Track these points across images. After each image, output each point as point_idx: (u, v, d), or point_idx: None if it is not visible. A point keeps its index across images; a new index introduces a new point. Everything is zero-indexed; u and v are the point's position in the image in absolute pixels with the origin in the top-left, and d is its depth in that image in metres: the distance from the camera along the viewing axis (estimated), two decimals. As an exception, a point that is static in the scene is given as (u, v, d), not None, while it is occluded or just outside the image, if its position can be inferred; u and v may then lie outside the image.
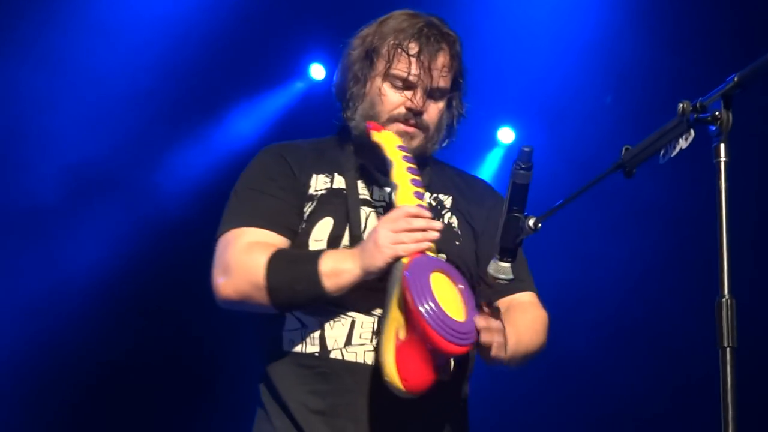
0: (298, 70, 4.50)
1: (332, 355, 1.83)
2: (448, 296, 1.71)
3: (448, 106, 1.96)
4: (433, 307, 1.66)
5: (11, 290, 4.27)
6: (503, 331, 1.76)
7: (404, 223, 1.74)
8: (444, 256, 1.85)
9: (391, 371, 1.70)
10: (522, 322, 1.87)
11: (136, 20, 4.23)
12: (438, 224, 1.80)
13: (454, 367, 1.79)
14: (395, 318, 1.72)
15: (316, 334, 1.84)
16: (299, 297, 1.79)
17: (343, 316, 1.84)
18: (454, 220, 1.97)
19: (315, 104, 4.29)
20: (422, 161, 1.93)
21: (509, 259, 1.72)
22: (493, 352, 1.74)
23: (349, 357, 1.82)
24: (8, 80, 4.12)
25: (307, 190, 1.91)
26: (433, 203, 1.96)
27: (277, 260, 1.79)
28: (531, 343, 1.88)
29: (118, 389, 4.67)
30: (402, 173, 1.83)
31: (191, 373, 4.74)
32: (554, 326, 2.02)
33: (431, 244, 1.77)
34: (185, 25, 4.23)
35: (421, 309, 1.66)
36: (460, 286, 1.76)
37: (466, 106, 1.99)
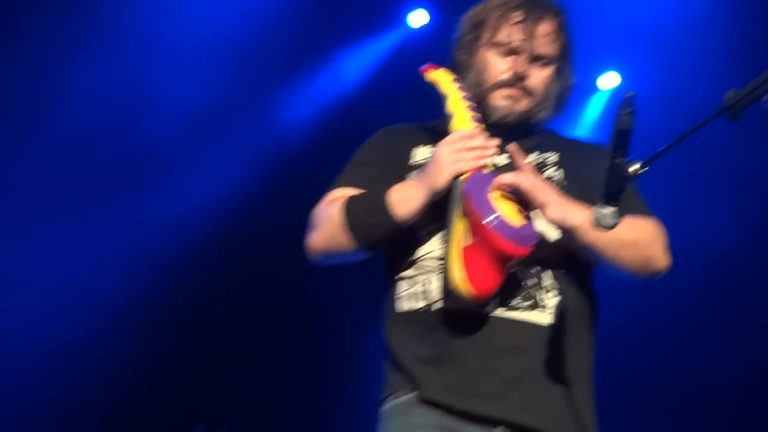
0: (398, 17, 4.58)
1: (434, 307, 1.94)
2: (506, 205, 1.87)
3: (558, 76, 2.06)
4: (494, 214, 1.82)
5: (132, 226, 4.54)
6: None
7: (462, 144, 1.91)
8: None
9: (458, 279, 1.84)
10: (626, 223, 1.82)
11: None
12: (493, 143, 1.94)
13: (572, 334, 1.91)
14: (458, 230, 1.87)
15: (420, 290, 1.96)
16: (377, 229, 1.94)
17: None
18: (559, 173, 2.06)
19: (415, 50, 4.40)
20: (530, 128, 2.07)
21: (613, 204, 1.76)
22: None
23: (453, 306, 1.92)
24: (129, 30, 4.36)
25: (408, 161, 2.07)
26: (539, 160, 2.06)
27: (351, 202, 1.97)
28: (632, 236, 1.91)
29: (225, 329, 4.92)
30: (457, 102, 1.99)
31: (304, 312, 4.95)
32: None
33: (488, 161, 1.92)
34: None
35: (483, 217, 1.81)
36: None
37: (575, 78, 2.05)
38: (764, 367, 4.76)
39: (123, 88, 4.56)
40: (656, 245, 2.00)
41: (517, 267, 1.92)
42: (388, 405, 1.99)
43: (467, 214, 1.86)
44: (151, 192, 4.72)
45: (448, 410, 1.90)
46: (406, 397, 1.94)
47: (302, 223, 2.09)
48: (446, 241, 1.91)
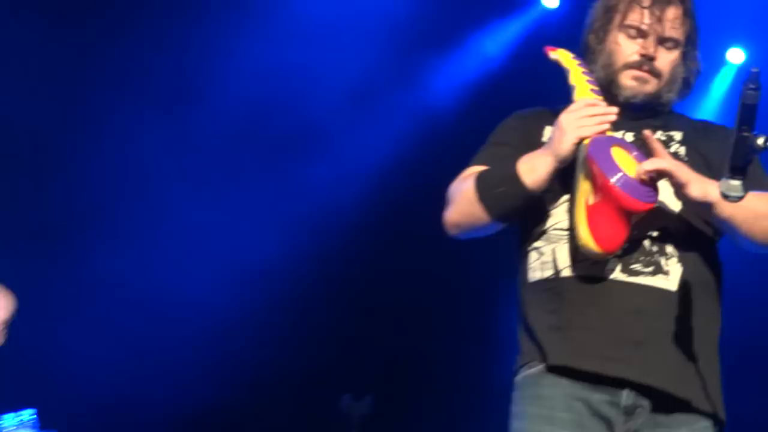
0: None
1: (563, 275, 2.07)
2: (627, 164, 1.99)
3: (684, 59, 2.17)
4: (617, 172, 1.95)
5: (295, 195, 4.92)
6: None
7: (584, 111, 2.06)
8: None
9: (585, 235, 1.99)
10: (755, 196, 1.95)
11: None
12: (614, 109, 2.07)
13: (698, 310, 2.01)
14: (584, 190, 2.02)
15: (549, 259, 2.10)
16: (507, 199, 2.08)
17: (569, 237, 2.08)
18: (683, 150, 2.17)
19: (550, 29, 4.57)
20: (658, 108, 2.18)
21: (740, 177, 1.84)
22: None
23: (578, 271, 2.06)
24: (290, 13, 4.73)
25: (541, 139, 2.18)
26: (663, 138, 2.16)
27: (482, 175, 2.13)
28: (761, 208, 2.02)
29: (373, 300, 5.20)
30: (579, 76, 2.17)
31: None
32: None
33: (609, 126, 2.05)
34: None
35: (607, 175, 1.95)
36: (635, 153, 2.03)
37: (701, 63, 2.14)
38: None
39: (286, 66, 4.95)
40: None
41: (640, 233, 2.02)
42: (521, 375, 2.13)
43: (591, 175, 1.99)
44: (313, 163, 5.08)
45: (576, 377, 2.01)
46: (537, 368, 2.08)
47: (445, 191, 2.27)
48: (572, 201, 2.04)
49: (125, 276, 4.83)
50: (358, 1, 4.85)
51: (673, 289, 2.03)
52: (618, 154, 2.01)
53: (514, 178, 2.05)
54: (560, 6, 4.84)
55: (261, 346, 5.09)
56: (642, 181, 1.97)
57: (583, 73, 2.17)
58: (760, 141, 1.82)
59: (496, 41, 4.96)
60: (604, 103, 2.09)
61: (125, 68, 4.84)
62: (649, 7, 2.13)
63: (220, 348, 5.04)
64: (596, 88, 2.15)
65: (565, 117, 2.06)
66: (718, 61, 4.64)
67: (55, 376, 4.57)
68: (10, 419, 3.84)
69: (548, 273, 2.10)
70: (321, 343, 5.26)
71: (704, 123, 2.31)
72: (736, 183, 1.85)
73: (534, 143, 2.18)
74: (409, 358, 5.41)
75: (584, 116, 2.04)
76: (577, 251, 2.05)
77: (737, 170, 1.84)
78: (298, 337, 5.22)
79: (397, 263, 5.33)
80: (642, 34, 2.14)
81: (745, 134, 1.82)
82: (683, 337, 2.03)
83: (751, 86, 1.81)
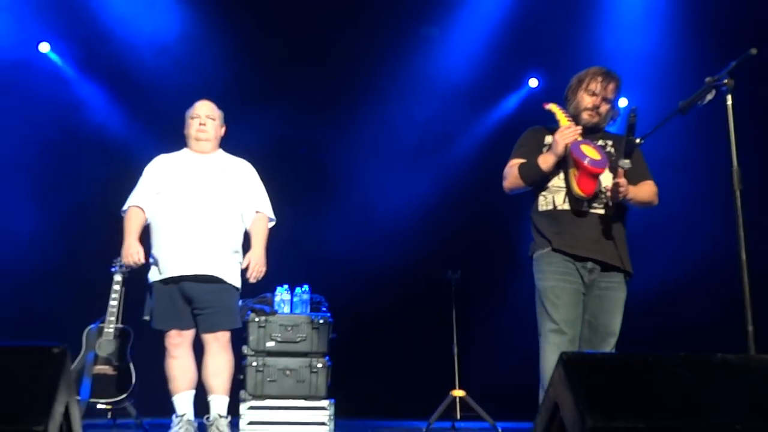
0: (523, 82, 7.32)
1: (558, 208, 3.94)
2: (590, 151, 3.81)
3: (612, 107, 4.03)
4: (586, 156, 3.77)
5: None
6: (627, 185, 3.85)
7: (566, 131, 3.87)
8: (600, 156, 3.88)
9: (576, 190, 3.83)
10: (640, 186, 3.94)
11: None
12: (579, 128, 3.87)
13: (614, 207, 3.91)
14: (572, 170, 3.83)
15: (550, 200, 3.95)
16: (534, 176, 3.94)
17: (562, 189, 3.94)
18: (612, 149, 4.02)
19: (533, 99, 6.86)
20: (599, 130, 4.06)
21: (629, 158, 3.74)
22: (622, 190, 3.82)
23: (566, 207, 3.91)
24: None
25: (543, 144, 4.03)
26: (602, 143, 3.99)
27: (521, 166, 3.98)
28: (644, 195, 3.95)
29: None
30: (561, 116, 3.97)
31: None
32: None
33: (579, 136, 3.86)
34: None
35: (581, 158, 3.77)
36: (596, 144, 3.88)
37: (619, 112, 4.08)
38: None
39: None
40: (654, 196, 3.98)
41: (600, 192, 3.86)
42: (538, 254, 4.00)
43: (573, 161, 3.79)
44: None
45: (566, 255, 3.86)
46: (546, 250, 3.89)
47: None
48: (566, 174, 3.88)
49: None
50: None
51: (610, 214, 3.92)
52: (585, 148, 3.82)
53: (537, 166, 3.90)
54: (538, 86, 7.52)
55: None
56: (599, 158, 3.76)
57: (564, 113, 3.96)
58: (638, 140, 3.73)
59: (505, 106, 7.49)
60: (575, 127, 3.89)
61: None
62: (601, 82, 3.95)
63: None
64: (571, 119, 3.93)
65: (558, 134, 3.86)
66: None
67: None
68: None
69: (550, 207, 3.93)
70: (433, 240, 7.45)
71: (617, 135, 4.12)
72: (626, 161, 3.77)
73: (541, 144, 4.04)
74: (486, 244, 7.52)
75: (566, 134, 3.86)
76: (569, 196, 3.91)
77: (627, 155, 3.76)
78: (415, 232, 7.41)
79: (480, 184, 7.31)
80: (595, 94, 3.97)
81: (630, 138, 3.74)
82: (615, 235, 3.95)
83: (633, 114, 3.71)
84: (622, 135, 4.02)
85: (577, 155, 3.80)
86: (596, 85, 3.96)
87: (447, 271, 6.69)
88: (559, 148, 3.86)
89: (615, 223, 3.94)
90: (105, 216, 5.84)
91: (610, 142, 4.04)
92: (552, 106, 4.03)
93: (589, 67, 4.05)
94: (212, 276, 4.58)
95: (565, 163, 3.91)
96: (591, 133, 4.01)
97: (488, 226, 7.35)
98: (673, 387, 2.06)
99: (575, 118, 3.99)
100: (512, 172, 4.01)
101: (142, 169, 4.85)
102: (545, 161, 3.91)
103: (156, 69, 7.01)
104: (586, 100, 3.98)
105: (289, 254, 6.63)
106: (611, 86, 3.96)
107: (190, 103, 4.90)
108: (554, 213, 3.94)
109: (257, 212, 4.83)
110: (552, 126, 4.02)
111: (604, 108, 3.99)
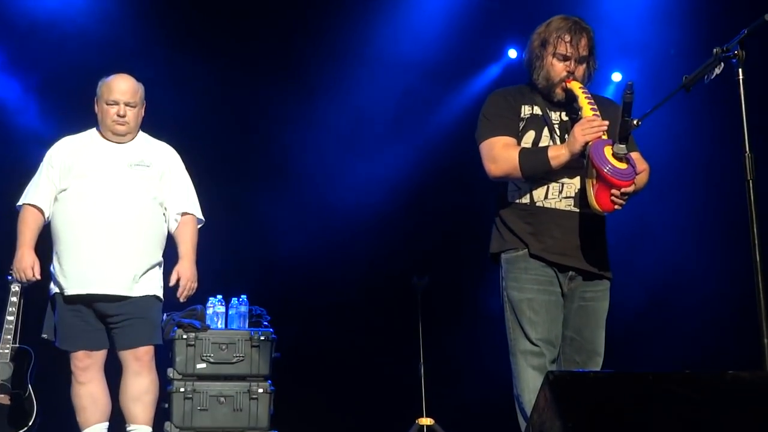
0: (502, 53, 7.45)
1: (537, 204, 3.85)
2: (613, 155, 3.60)
3: (588, 65, 3.93)
4: (609, 164, 3.58)
5: None
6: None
7: (587, 125, 3.69)
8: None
9: (593, 203, 3.68)
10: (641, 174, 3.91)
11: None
12: (605, 123, 3.69)
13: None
14: (590, 175, 3.65)
15: (527, 192, 3.86)
16: (538, 171, 3.79)
17: (547, 182, 3.81)
18: (597, 113, 3.87)
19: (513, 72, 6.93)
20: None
21: (624, 142, 3.73)
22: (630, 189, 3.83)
23: (547, 205, 3.83)
24: None
25: (520, 113, 3.93)
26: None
27: (523, 153, 3.81)
28: (642, 184, 3.94)
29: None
30: (584, 100, 3.81)
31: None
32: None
33: (603, 133, 3.69)
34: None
35: (603, 167, 3.57)
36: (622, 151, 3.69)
37: (597, 64, 4.00)
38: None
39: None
40: (647, 176, 3.94)
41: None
42: (508, 256, 3.83)
43: (593, 166, 3.54)
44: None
45: (545, 261, 3.76)
46: (520, 253, 3.80)
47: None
48: (584, 181, 3.69)
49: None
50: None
51: (592, 213, 3.78)
52: (608, 152, 3.55)
53: (546, 161, 3.72)
54: (517, 57, 7.62)
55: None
56: (624, 167, 3.52)
57: (586, 97, 3.74)
58: (635, 122, 3.73)
59: (484, 78, 7.58)
60: (599, 120, 3.67)
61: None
62: (570, 42, 3.81)
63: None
64: (595, 106, 3.69)
65: (577, 128, 3.65)
66: (606, 81, 7.50)
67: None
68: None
69: (525, 201, 3.84)
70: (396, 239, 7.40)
71: (605, 98, 4.07)
72: (622, 146, 3.75)
73: (517, 115, 3.93)
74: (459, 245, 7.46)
75: (587, 128, 3.64)
76: (548, 193, 3.80)
77: (622, 139, 3.75)
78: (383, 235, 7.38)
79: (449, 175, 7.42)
80: (567, 58, 3.83)
81: (626, 119, 3.74)
82: (598, 237, 3.92)
83: (628, 92, 3.70)
84: (613, 101, 4.06)
85: (597, 160, 3.61)
86: (565, 47, 3.86)
87: (412, 277, 6.71)
88: (577, 146, 3.70)
89: (599, 223, 3.94)
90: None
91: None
92: (574, 86, 3.86)
93: (550, 19, 3.94)
94: (127, 297, 4.52)
95: (586, 165, 3.74)
96: (568, 102, 3.93)
97: (461, 223, 7.26)
98: (679, 410, 2.08)
99: (547, 91, 3.92)
100: (508, 158, 3.83)
101: (42, 153, 4.77)
102: (557, 158, 3.76)
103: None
104: (558, 68, 3.88)
105: (222, 258, 6.57)
106: (583, 42, 3.87)
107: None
108: (531, 209, 3.89)
109: (184, 214, 4.78)
110: (522, 87, 3.99)
111: (580, 70, 3.90)
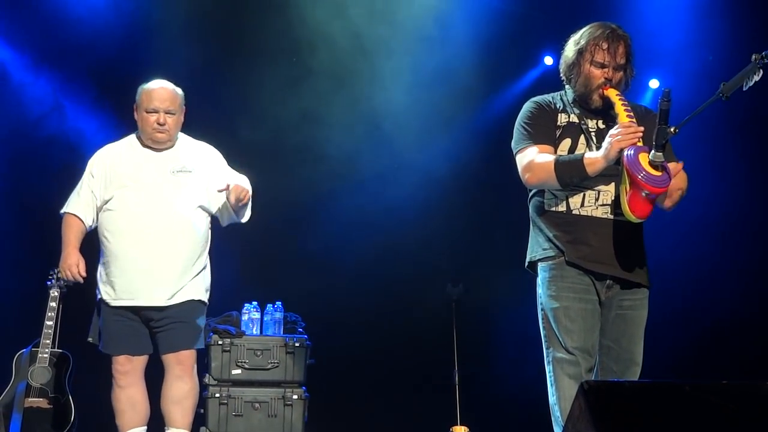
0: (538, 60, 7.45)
1: (574, 212, 3.86)
2: (648, 162, 3.60)
3: (626, 72, 3.93)
4: (643, 171, 3.58)
5: None
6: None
7: (623, 131, 3.70)
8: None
9: (627, 210, 3.67)
10: (679, 179, 3.85)
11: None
12: (641, 129, 3.69)
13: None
14: (624, 182, 3.66)
15: (564, 200, 3.87)
16: (573, 178, 3.79)
17: (584, 190, 3.83)
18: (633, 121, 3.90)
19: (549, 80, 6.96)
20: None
21: (661, 150, 3.71)
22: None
23: (584, 212, 3.84)
24: None
25: (557, 122, 3.96)
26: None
27: (559, 161, 3.81)
28: (682, 192, 3.89)
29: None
30: (620, 107, 3.82)
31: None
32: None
33: (639, 140, 3.69)
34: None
35: (637, 173, 3.58)
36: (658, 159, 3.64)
37: (634, 72, 3.98)
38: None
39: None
40: (685, 184, 3.86)
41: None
42: (546, 264, 3.85)
43: (628, 173, 3.57)
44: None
45: (581, 269, 3.78)
46: (558, 260, 3.82)
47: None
48: (618, 188, 3.70)
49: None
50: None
51: (630, 221, 3.73)
52: (644, 158, 3.58)
53: (582, 168, 3.73)
54: (553, 64, 7.33)
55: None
56: (658, 174, 3.52)
57: (623, 104, 3.75)
58: (672, 129, 3.72)
59: (520, 85, 7.60)
60: (635, 127, 3.67)
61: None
62: (607, 49, 3.84)
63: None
64: (631, 113, 3.72)
65: (613, 134, 3.66)
66: (644, 88, 7.46)
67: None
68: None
69: (562, 209, 3.85)
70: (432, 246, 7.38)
71: (642, 107, 4.06)
72: (659, 154, 3.74)
73: (554, 123, 3.94)
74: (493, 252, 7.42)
75: (624, 134, 3.64)
76: (585, 201, 3.80)
77: (659, 147, 3.73)
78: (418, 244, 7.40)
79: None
80: (604, 66, 3.86)
81: (663, 126, 3.73)
82: (636, 245, 3.90)
83: (665, 99, 3.69)
84: (651, 110, 4.04)
85: (631, 167, 3.62)
86: (603, 55, 3.88)
87: (447, 284, 6.67)
88: (613, 153, 3.70)
89: (636, 231, 3.92)
90: (41, 217, 5.82)
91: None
92: (611, 93, 3.88)
93: (586, 26, 3.96)
94: (173, 305, 4.58)
95: (620, 171, 3.74)
96: (605, 110, 3.94)
97: (496, 230, 7.26)
98: (715, 421, 2.07)
99: (584, 98, 3.93)
100: (545, 167, 3.84)
101: (85, 160, 4.83)
102: (593, 164, 3.76)
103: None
104: (596, 76, 3.89)
105: (258, 265, 6.59)
106: (620, 49, 3.88)
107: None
108: (568, 217, 3.89)
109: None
110: (561, 95, 4.00)
111: (617, 78, 3.91)
